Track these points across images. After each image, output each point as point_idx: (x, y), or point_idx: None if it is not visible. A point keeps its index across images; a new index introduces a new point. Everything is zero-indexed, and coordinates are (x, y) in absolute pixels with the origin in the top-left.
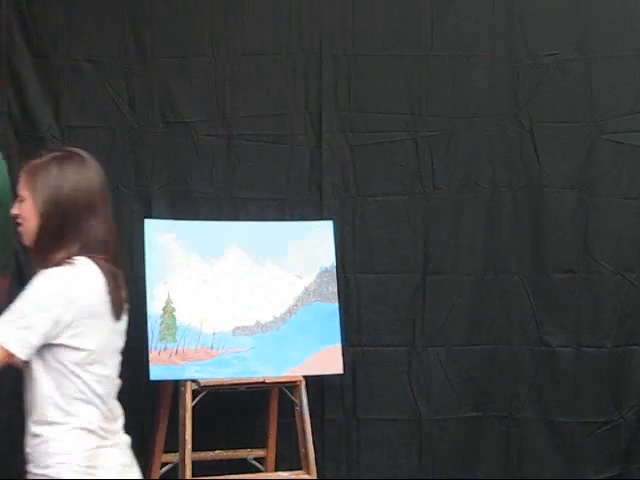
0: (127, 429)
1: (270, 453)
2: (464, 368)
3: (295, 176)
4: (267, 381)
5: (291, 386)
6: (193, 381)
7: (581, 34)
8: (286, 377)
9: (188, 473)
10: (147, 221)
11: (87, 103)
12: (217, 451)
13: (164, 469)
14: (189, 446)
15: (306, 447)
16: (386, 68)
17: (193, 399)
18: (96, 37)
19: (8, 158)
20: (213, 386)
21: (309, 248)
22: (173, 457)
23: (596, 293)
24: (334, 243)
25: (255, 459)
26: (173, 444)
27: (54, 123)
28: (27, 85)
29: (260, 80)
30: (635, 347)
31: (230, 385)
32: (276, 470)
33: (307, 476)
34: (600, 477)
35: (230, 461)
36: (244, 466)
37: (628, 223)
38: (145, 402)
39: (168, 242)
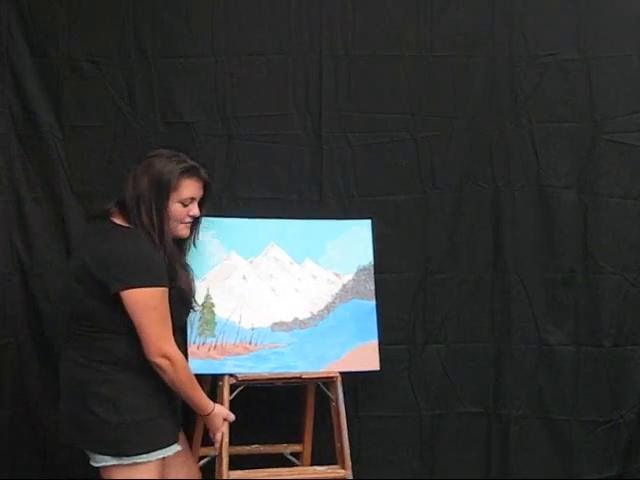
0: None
1: (306, 448)
2: (464, 366)
3: (295, 176)
4: (304, 376)
5: (327, 382)
6: (231, 375)
7: (581, 34)
8: (323, 373)
9: (225, 466)
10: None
11: (87, 103)
12: (254, 445)
13: (202, 462)
14: (226, 439)
15: (342, 442)
16: (386, 68)
17: (231, 393)
18: (96, 37)
19: (8, 158)
20: (251, 380)
21: (347, 246)
22: (211, 450)
23: (596, 293)
24: (372, 241)
25: (292, 454)
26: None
27: (55, 123)
28: (27, 85)
29: (260, 80)
30: (635, 347)
31: (267, 380)
32: (312, 465)
33: (342, 471)
34: (600, 477)
35: (267, 456)
36: (280, 461)
37: (628, 223)
38: None
39: (207, 239)
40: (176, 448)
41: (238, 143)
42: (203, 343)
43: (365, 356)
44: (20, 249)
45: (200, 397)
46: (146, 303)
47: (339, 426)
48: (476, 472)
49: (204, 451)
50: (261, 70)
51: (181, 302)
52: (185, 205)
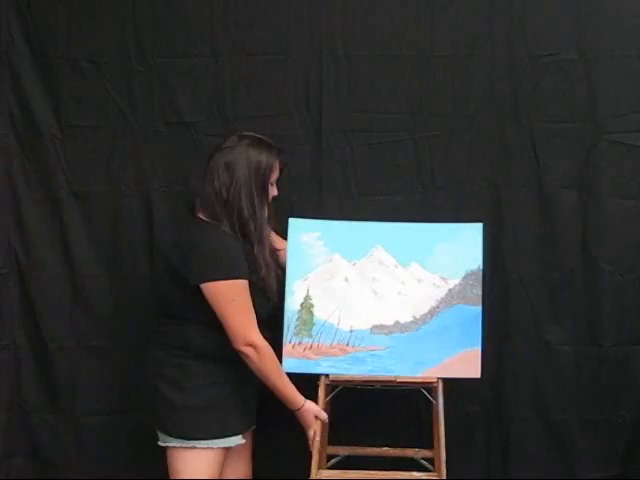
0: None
1: (438, 453)
2: None
3: (295, 176)
4: (399, 380)
5: (429, 387)
6: (326, 376)
7: (581, 34)
8: (420, 378)
9: (315, 465)
10: (291, 220)
11: (87, 103)
12: (384, 448)
13: (332, 462)
14: (318, 438)
15: (439, 448)
16: (386, 68)
17: (329, 394)
18: (96, 37)
19: (7, 157)
20: (344, 381)
21: (456, 250)
22: (339, 450)
23: (595, 293)
24: (482, 246)
25: (423, 459)
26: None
27: (54, 123)
28: (27, 85)
29: (260, 80)
30: (635, 347)
31: (362, 382)
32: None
33: (436, 477)
34: (600, 477)
35: (396, 459)
36: (412, 465)
37: (628, 223)
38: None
39: (311, 240)
40: (239, 441)
41: None
42: (299, 342)
43: (466, 363)
44: (18, 250)
45: (288, 390)
46: (225, 295)
47: (437, 432)
48: (476, 472)
49: (333, 450)
50: (261, 70)
51: (261, 293)
52: (272, 185)
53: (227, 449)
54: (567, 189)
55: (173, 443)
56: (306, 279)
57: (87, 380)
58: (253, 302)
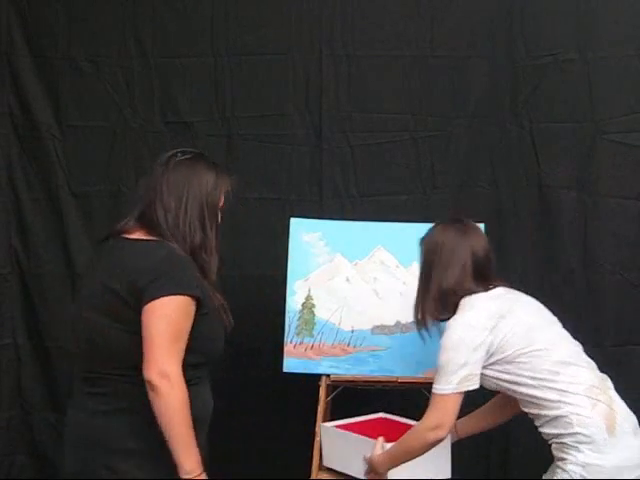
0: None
1: None
2: None
3: (295, 176)
4: (400, 381)
5: (430, 388)
6: (327, 376)
7: (581, 34)
8: (421, 378)
9: (315, 465)
10: (293, 220)
11: (87, 103)
12: None
13: None
14: (318, 438)
15: None
16: (386, 68)
17: (330, 394)
18: (96, 37)
19: (8, 158)
20: (345, 382)
21: None
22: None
23: (595, 292)
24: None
25: None
26: None
27: (54, 123)
28: (27, 85)
29: (260, 80)
30: (635, 347)
31: (363, 382)
32: None
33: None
34: None
35: None
36: None
37: (628, 223)
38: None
39: (313, 240)
40: None
41: (238, 143)
42: (300, 342)
43: None
44: (18, 249)
45: (188, 447)
46: (165, 311)
47: None
48: (476, 472)
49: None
50: (261, 70)
51: (220, 328)
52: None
53: None
54: (567, 189)
55: None
56: (307, 279)
57: None
58: (208, 334)
